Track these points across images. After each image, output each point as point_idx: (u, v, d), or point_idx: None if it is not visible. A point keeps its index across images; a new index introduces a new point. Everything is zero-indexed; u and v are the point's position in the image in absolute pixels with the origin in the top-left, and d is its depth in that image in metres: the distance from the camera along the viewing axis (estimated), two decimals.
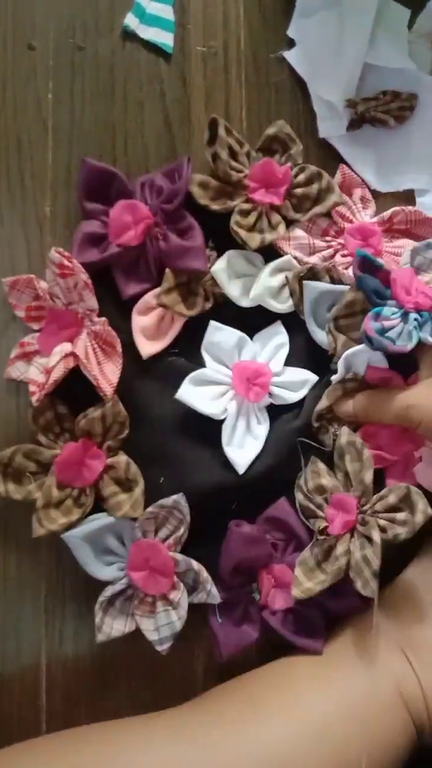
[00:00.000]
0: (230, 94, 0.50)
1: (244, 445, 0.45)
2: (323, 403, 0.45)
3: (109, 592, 0.44)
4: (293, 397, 0.47)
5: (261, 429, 0.46)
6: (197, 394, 0.45)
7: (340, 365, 0.45)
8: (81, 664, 0.48)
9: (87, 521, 0.44)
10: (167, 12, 0.49)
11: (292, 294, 0.47)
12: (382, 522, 0.42)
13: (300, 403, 0.47)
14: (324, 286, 0.46)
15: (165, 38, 0.49)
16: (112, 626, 0.44)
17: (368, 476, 0.43)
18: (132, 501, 0.44)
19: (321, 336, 0.47)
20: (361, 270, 0.44)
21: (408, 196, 0.52)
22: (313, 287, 0.46)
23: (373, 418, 0.45)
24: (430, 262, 0.47)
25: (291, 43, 0.50)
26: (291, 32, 0.50)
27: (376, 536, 0.41)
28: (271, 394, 0.46)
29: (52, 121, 0.48)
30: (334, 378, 0.45)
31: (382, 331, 0.43)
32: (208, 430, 0.45)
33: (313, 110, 0.50)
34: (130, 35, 0.49)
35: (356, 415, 0.45)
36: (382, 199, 0.51)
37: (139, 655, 0.47)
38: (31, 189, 0.48)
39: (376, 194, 0.51)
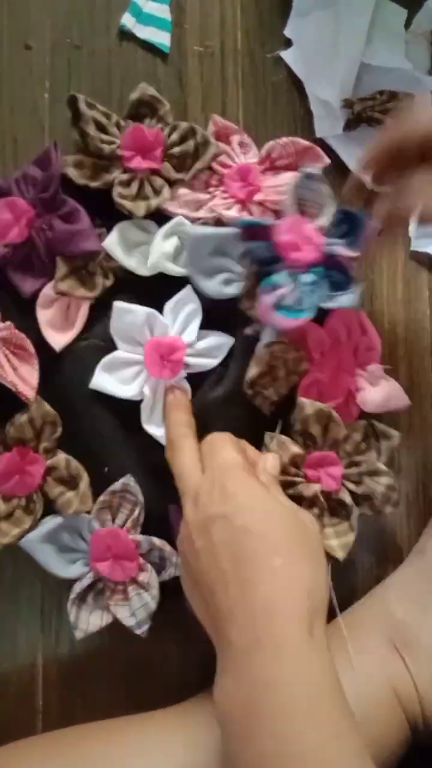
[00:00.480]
0: (227, 93, 0.50)
1: (156, 425, 0.45)
2: (253, 371, 0.45)
3: (78, 588, 0.43)
4: (211, 363, 0.46)
5: None
6: (112, 379, 0.44)
7: (267, 332, 0.45)
8: (77, 664, 0.48)
9: (41, 524, 0.44)
10: (164, 11, 0.49)
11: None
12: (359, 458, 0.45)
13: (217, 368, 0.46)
14: (202, 229, 0.45)
15: (162, 38, 0.49)
16: (89, 621, 0.43)
17: (341, 432, 0.45)
18: (79, 496, 0.44)
19: (205, 284, 0.45)
20: (248, 239, 0.44)
21: None
22: (189, 231, 0.45)
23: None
24: (313, 194, 0.45)
25: (288, 43, 0.51)
26: (288, 32, 0.50)
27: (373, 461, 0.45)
28: (187, 365, 0.45)
29: (48, 120, 0.48)
30: (260, 345, 0.45)
31: (279, 306, 0.43)
32: (138, 405, 0.45)
33: (309, 110, 0.51)
34: (126, 35, 0.49)
35: (383, 158, 0.41)
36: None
37: (135, 654, 0.47)
38: None
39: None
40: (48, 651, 0.48)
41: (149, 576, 0.43)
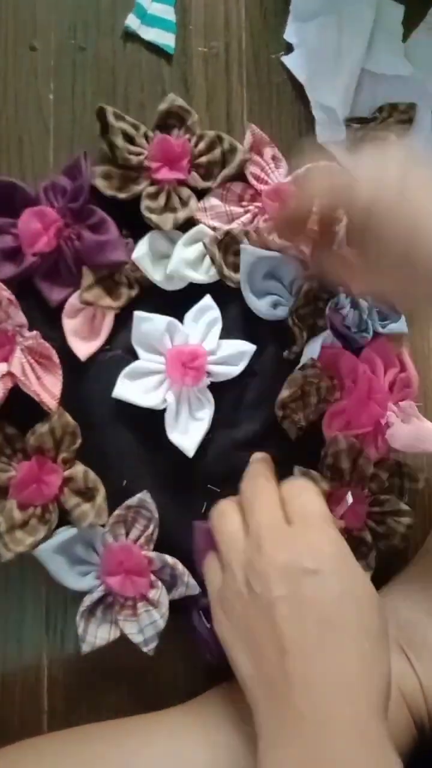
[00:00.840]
0: (232, 95, 0.50)
1: (188, 430, 0.45)
2: (285, 393, 0.45)
3: (88, 601, 0.43)
4: (233, 371, 0.46)
5: (204, 412, 0.45)
6: (134, 388, 0.44)
7: (304, 356, 0.46)
8: (82, 665, 0.48)
9: (55, 534, 0.44)
10: (168, 13, 0.50)
11: (213, 260, 0.46)
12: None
13: (244, 375, 0.46)
14: (261, 251, 0.46)
15: (166, 39, 0.49)
16: (96, 635, 0.43)
17: (369, 469, 0.45)
18: (95, 509, 0.43)
19: (256, 303, 0.46)
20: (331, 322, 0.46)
21: None
22: (250, 252, 0.46)
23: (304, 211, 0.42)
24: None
25: (289, 47, 0.50)
26: (288, 36, 0.50)
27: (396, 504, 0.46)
28: (209, 373, 0.45)
29: (53, 121, 0.48)
30: (298, 368, 0.46)
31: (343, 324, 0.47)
32: (160, 420, 0.45)
33: None
34: (131, 36, 0.49)
35: (282, 224, 0.43)
36: None
37: (140, 655, 0.47)
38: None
39: None
40: (53, 651, 0.48)
41: (159, 593, 0.43)
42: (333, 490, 0.45)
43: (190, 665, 0.48)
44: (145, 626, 0.43)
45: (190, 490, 0.46)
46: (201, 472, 0.46)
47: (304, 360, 0.46)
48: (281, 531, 0.35)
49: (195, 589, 0.44)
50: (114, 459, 0.45)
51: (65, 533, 0.44)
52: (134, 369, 0.44)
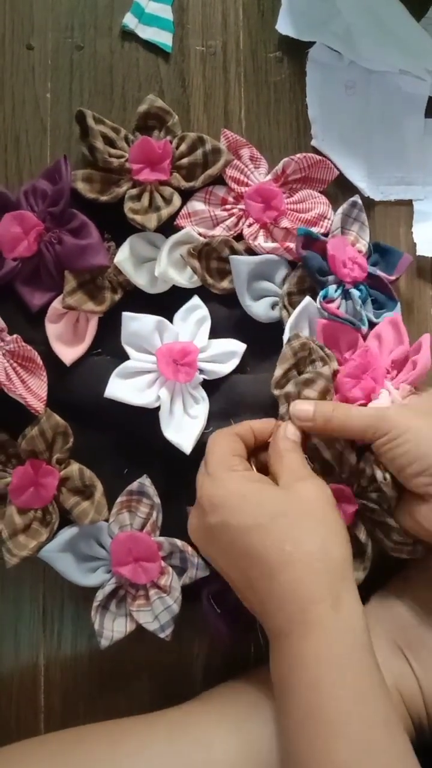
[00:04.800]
0: (229, 93, 0.50)
1: (183, 428, 0.44)
2: (278, 372, 0.44)
3: (101, 596, 0.43)
4: (225, 368, 0.46)
5: (198, 408, 0.45)
6: (126, 387, 0.44)
7: (287, 330, 0.45)
8: (79, 665, 0.48)
9: (59, 534, 0.44)
10: (166, 12, 0.50)
11: (194, 271, 0.46)
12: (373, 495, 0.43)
13: (237, 373, 0.46)
14: (251, 259, 0.46)
15: (164, 38, 0.49)
16: (113, 629, 0.43)
17: (352, 457, 0.44)
18: (95, 506, 0.43)
19: (257, 309, 0.46)
20: (304, 247, 0.46)
21: (403, 201, 0.52)
22: (243, 261, 0.45)
23: (335, 428, 0.42)
24: (353, 220, 0.49)
25: (288, 44, 0.50)
26: (281, 28, 0.50)
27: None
28: (201, 371, 0.45)
29: (50, 120, 0.48)
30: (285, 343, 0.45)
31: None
32: (153, 414, 0.44)
33: None
34: (128, 35, 0.49)
35: (314, 421, 0.42)
36: (380, 205, 0.51)
37: (138, 655, 0.47)
38: None
39: (370, 202, 0.51)
40: (50, 651, 0.47)
41: (170, 579, 0.43)
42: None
43: (188, 666, 0.48)
44: (159, 613, 0.43)
45: (188, 479, 0.44)
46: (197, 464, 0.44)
47: (288, 334, 0.45)
48: (202, 472, 0.41)
49: (205, 570, 0.43)
50: (112, 452, 0.45)
51: (68, 532, 0.44)
52: (126, 368, 0.44)
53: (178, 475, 0.45)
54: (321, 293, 0.46)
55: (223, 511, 0.38)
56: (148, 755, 0.39)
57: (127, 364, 0.44)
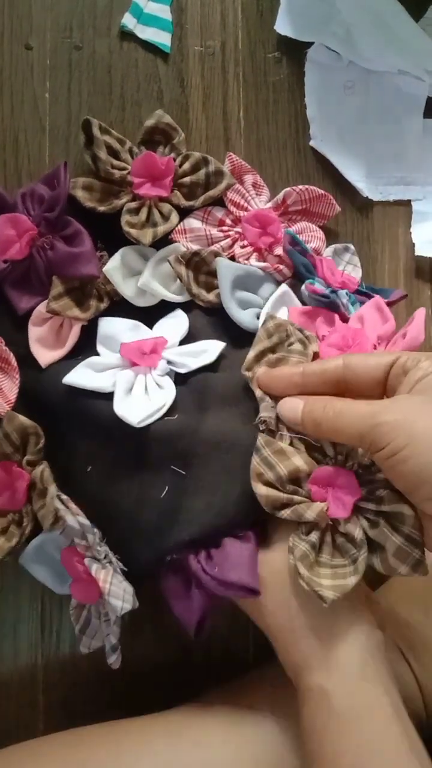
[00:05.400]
0: (228, 93, 0.50)
1: (133, 406, 0.41)
2: (251, 354, 0.42)
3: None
4: (195, 362, 0.43)
5: (161, 396, 0.42)
6: (85, 374, 0.42)
7: (262, 315, 0.44)
8: (78, 665, 0.48)
9: (32, 542, 0.43)
10: (165, 12, 0.49)
11: (180, 279, 0.46)
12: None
13: (214, 370, 0.44)
14: (238, 265, 0.45)
15: (163, 38, 0.49)
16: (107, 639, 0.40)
17: None
18: (47, 508, 0.41)
19: (239, 315, 0.45)
20: (291, 246, 0.45)
21: (402, 201, 0.52)
22: (229, 265, 0.45)
23: (326, 434, 0.36)
24: (345, 263, 0.49)
25: (287, 44, 0.50)
26: (279, 28, 0.50)
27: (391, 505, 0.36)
28: (170, 362, 0.44)
29: (49, 120, 0.48)
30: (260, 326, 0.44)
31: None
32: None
33: None
34: (127, 35, 0.49)
35: (304, 425, 0.37)
36: (378, 205, 0.51)
37: (136, 655, 0.47)
38: None
39: (369, 202, 0.51)
40: (49, 652, 0.47)
41: (108, 575, 0.39)
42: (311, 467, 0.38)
43: (187, 668, 0.48)
44: (123, 597, 0.39)
45: (153, 472, 0.42)
46: (163, 454, 0.42)
47: (262, 318, 0.44)
48: None
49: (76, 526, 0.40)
50: (77, 448, 0.43)
51: (38, 539, 0.42)
52: (92, 362, 0.43)
53: (143, 467, 0.42)
54: (307, 281, 0.45)
55: None
56: (147, 756, 0.39)
57: (95, 358, 0.43)
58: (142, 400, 0.42)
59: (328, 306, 0.45)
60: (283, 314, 0.45)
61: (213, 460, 0.41)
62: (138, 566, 0.41)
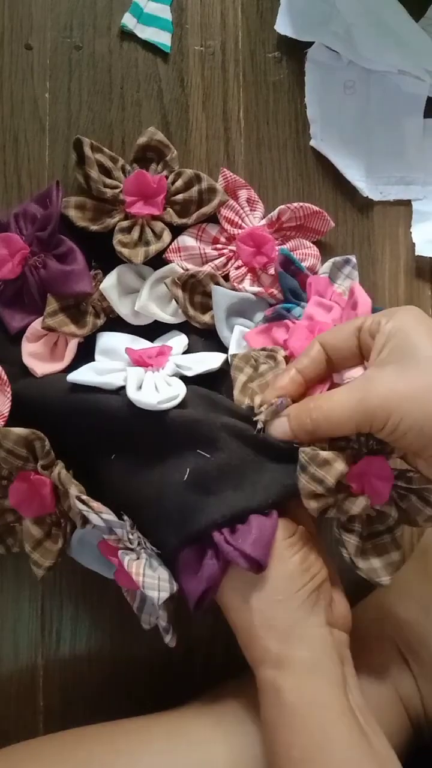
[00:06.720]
0: (228, 93, 0.50)
1: (145, 393, 0.41)
2: (236, 392, 0.42)
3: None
4: (201, 366, 0.43)
5: (172, 388, 0.42)
6: (90, 373, 0.42)
7: (230, 349, 0.45)
8: (78, 665, 0.48)
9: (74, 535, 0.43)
10: (165, 12, 0.49)
11: (176, 300, 0.46)
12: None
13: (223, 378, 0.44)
14: (233, 293, 0.46)
15: (163, 38, 0.49)
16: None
17: None
18: (75, 511, 0.41)
19: (231, 340, 0.46)
20: (282, 267, 0.46)
21: (402, 201, 0.52)
22: (225, 293, 0.45)
23: (325, 436, 0.38)
24: (344, 276, 0.49)
25: (287, 44, 0.50)
26: (279, 27, 0.50)
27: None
28: (178, 365, 0.43)
29: (49, 120, 0.48)
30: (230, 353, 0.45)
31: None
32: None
33: None
34: (127, 35, 0.49)
35: (299, 438, 0.38)
36: (378, 205, 0.51)
37: (137, 655, 0.47)
38: (27, 188, 0.48)
39: (369, 202, 0.51)
40: (49, 651, 0.47)
41: (142, 564, 0.39)
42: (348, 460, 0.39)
43: (188, 667, 0.48)
44: (159, 587, 0.39)
45: (174, 457, 0.41)
46: (183, 440, 0.41)
47: (231, 351, 0.44)
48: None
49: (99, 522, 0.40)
50: (89, 444, 0.43)
51: (77, 533, 0.42)
52: (97, 366, 0.43)
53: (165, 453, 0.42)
54: (283, 305, 0.45)
55: None
56: (146, 756, 0.39)
57: (98, 363, 0.43)
58: (151, 392, 0.41)
59: (276, 319, 0.46)
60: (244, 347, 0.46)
61: (235, 446, 0.41)
62: (168, 549, 0.41)
